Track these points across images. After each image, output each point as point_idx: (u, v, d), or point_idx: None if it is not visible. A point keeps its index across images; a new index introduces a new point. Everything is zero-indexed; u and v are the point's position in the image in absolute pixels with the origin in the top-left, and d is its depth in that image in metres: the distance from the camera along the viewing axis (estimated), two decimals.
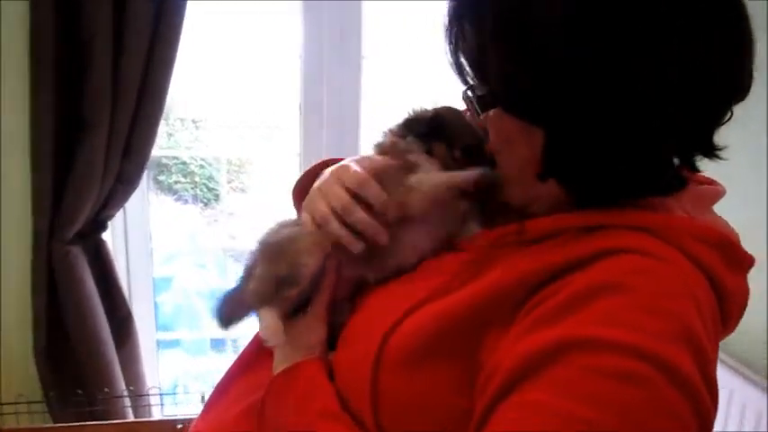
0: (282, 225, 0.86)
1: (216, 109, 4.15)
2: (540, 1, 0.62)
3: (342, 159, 0.89)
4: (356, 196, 0.78)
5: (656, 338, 0.55)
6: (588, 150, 0.66)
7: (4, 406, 1.92)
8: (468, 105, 0.77)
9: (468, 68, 0.72)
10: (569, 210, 0.71)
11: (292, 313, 0.83)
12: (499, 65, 0.66)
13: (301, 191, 0.92)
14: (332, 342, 0.81)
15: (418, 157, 0.83)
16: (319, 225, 0.80)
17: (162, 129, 4.65)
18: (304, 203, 0.86)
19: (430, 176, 0.79)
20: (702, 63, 0.62)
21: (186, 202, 4.42)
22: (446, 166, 0.82)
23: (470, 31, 0.69)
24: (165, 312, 3.09)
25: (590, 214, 0.69)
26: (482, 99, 0.73)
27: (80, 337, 1.97)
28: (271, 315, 0.80)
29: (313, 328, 0.81)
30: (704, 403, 0.56)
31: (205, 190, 4.60)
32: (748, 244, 0.73)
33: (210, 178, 4.53)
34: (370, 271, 0.81)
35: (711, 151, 0.69)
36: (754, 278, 0.74)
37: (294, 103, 2.25)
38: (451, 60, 0.73)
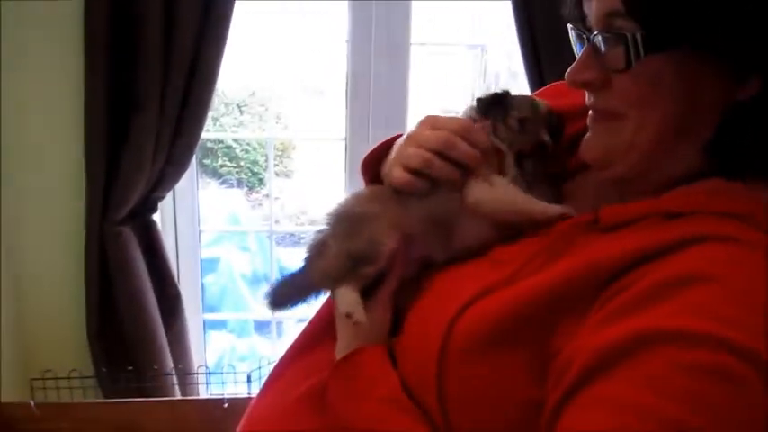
0: (356, 198, 0.86)
1: (261, 93, 4.18)
2: None
3: None
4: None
5: (751, 334, 0.52)
6: None
7: (60, 380, 1.98)
8: (579, 42, 0.70)
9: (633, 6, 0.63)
10: (667, 190, 0.68)
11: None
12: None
13: (371, 163, 0.90)
14: (396, 326, 0.80)
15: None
16: (419, 170, 0.78)
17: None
18: (386, 162, 0.84)
19: (506, 192, 0.78)
20: None
21: (231, 185, 4.49)
22: (501, 136, 0.82)
23: None
24: (212, 293, 3.15)
25: (672, 199, 0.66)
26: (655, 39, 0.63)
27: (131, 315, 2.02)
28: (350, 292, 0.79)
29: (378, 312, 0.79)
30: None
31: (250, 174, 4.67)
32: None
33: (255, 162, 4.59)
34: (438, 250, 0.81)
35: None
36: None
37: (341, 88, 2.26)
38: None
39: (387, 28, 2.14)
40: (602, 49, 0.68)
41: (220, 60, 1.91)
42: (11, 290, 2.05)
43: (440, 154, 0.77)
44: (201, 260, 2.39)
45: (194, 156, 2.07)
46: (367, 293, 0.81)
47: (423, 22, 2.27)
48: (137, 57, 1.85)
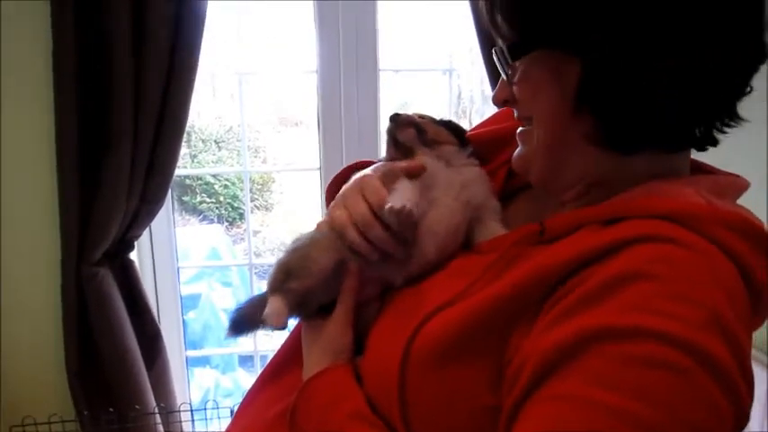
0: (313, 231, 0.89)
1: (237, 129, 4.20)
2: None
3: (372, 162, 0.91)
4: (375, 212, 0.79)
5: (687, 326, 0.54)
6: (623, 78, 0.66)
7: (40, 426, 1.95)
8: (500, 62, 0.77)
9: (502, 21, 0.73)
10: (595, 195, 0.73)
11: (314, 314, 0.85)
12: (535, 4, 0.69)
13: (333, 192, 0.93)
14: (362, 346, 0.82)
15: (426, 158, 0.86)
16: (338, 236, 0.81)
17: (185, 151, 4.73)
18: (329, 208, 0.87)
19: (393, 197, 0.80)
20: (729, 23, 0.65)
21: (212, 221, 4.50)
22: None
23: None
24: (194, 330, 3.13)
25: (609, 206, 0.68)
26: (515, 47, 0.73)
27: (111, 355, 2.01)
28: (277, 300, 0.83)
29: (339, 332, 0.82)
30: (739, 391, 0.55)
31: (230, 209, 4.68)
32: None
33: (235, 197, 4.60)
34: (393, 273, 0.83)
35: (734, 118, 0.70)
36: None
37: (313, 119, 2.28)
38: (488, 18, 0.75)
39: (355, 55, 2.18)
40: (499, 66, 0.77)
41: (190, 97, 1.93)
42: None
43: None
44: (182, 297, 2.38)
45: (169, 192, 2.07)
46: (326, 311, 0.84)
47: (392, 48, 2.30)
48: (107, 97, 1.86)
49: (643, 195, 0.69)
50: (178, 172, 2.02)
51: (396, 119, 0.87)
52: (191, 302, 3.15)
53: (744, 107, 0.71)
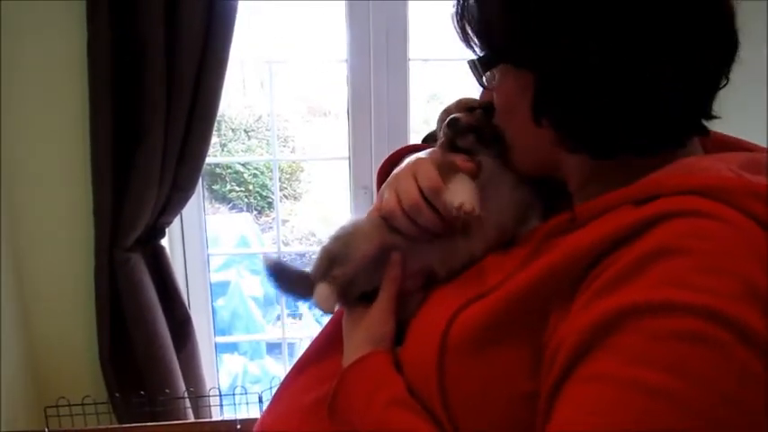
0: (360, 218, 0.90)
1: (267, 118, 4.22)
2: None
3: (423, 147, 0.92)
4: (425, 197, 0.80)
5: (722, 298, 0.54)
6: (572, 85, 0.68)
7: (74, 407, 2.00)
8: (473, 72, 0.80)
9: (471, 34, 0.77)
10: (595, 188, 0.73)
11: (356, 302, 0.87)
12: (493, 18, 0.73)
13: (383, 175, 0.94)
14: (403, 337, 0.83)
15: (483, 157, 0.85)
16: (385, 218, 0.83)
17: (215, 140, 4.77)
18: (380, 191, 0.88)
19: (456, 188, 0.81)
20: (691, 15, 0.65)
21: (241, 210, 4.53)
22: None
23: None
24: (223, 317, 3.17)
25: (640, 186, 0.68)
26: (484, 60, 0.78)
27: (142, 340, 2.05)
28: (324, 287, 0.84)
29: (381, 320, 0.83)
30: None
31: (259, 198, 4.70)
32: None
33: (264, 186, 4.62)
34: (437, 264, 0.83)
35: (706, 114, 0.71)
36: None
37: (342, 109, 2.29)
38: (458, 28, 0.78)
39: (385, 45, 2.18)
40: (475, 75, 0.82)
41: (221, 87, 1.95)
42: (22, 319, 2.08)
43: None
44: (211, 284, 2.41)
45: (200, 180, 2.10)
46: (369, 300, 0.85)
47: (421, 38, 2.29)
48: (140, 88, 1.89)
49: (674, 172, 0.68)
50: (208, 160, 2.05)
51: (456, 125, 0.85)
52: (220, 289, 3.18)
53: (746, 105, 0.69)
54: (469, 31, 0.77)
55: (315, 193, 5.03)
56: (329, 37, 2.42)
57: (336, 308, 0.86)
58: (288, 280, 0.92)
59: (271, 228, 4.36)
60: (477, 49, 0.78)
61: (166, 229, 2.13)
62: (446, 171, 0.81)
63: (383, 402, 0.73)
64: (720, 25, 0.68)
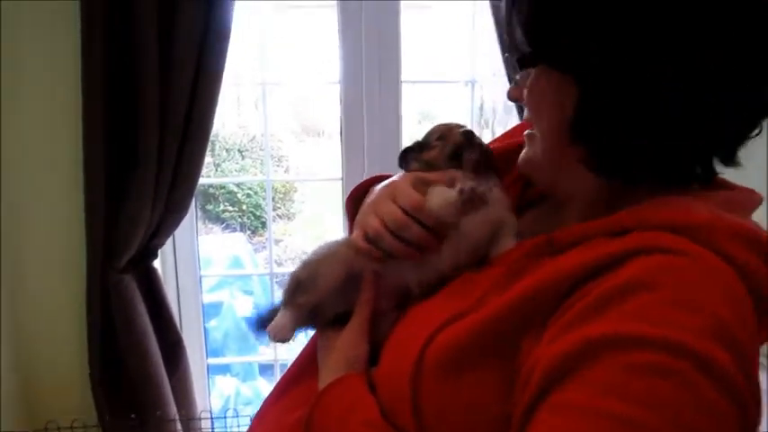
0: (330, 243, 0.91)
1: (260, 138, 4.23)
2: None
3: (390, 175, 0.93)
4: (409, 214, 0.82)
5: (688, 333, 0.55)
6: (617, 113, 0.67)
7: (63, 431, 1.99)
8: (509, 69, 0.80)
9: (518, 29, 0.75)
10: (599, 210, 0.74)
11: (330, 324, 0.88)
12: (545, 19, 0.71)
13: (353, 205, 0.96)
14: (377, 357, 0.83)
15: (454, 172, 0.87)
16: (372, 240, 0.84)
17: (209, 159, 4.78)
18: (356, 219, 0.90)
19: (436, 196, 0.83)
20: (741, 67, 0.65)
21: (234, 229, 4.54)
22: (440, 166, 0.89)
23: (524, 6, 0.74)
24: (215, 338, 3.16)
25: (617, 218, 0.69)
26: (523, 58, 0.76)
27: (133, 362, 2.04)
28: (282, 315, 0.86)
29: (355, 342, 0.84)
30: (744, 400, 0.55)
31: (252, 218, 4.72)
32: None
33: (257, 206, 4.64)
34: (410, 280, 0.84)
35: (731, 159, 0.72)
36: None
37: (335, 129, 2.30)
38: (506, 22, 0.77)
39: (377, 66, 2.20)
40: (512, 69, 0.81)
41: (214, 109, 1.96)
42: (13, 340, 2.08)
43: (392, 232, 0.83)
44: (204, 305, 2.41)
45: (193, 201, 2.11)
46: (343, 321, 0.86)
47: (413, 59, 2.32)
48: (134, 111, 1.90)
49: (650, 208, 0.70)
50: (201, 181, 2.06)
51: (471, 138, 0.88)
52: (212, 310, 3.18)
53: None
54: (515, 24, 0.75)
55: (308, 212, 5.05)
56: (323, 59, 2.44)
57: (293, 336, 0.88)
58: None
59: (264, 247, 4.37)
60: (519, 45, 0.76)
61: (159, 251, 2.13)
62: (423, 189, 0.83)
63: (356, 425, 0.74)
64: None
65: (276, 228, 4.68)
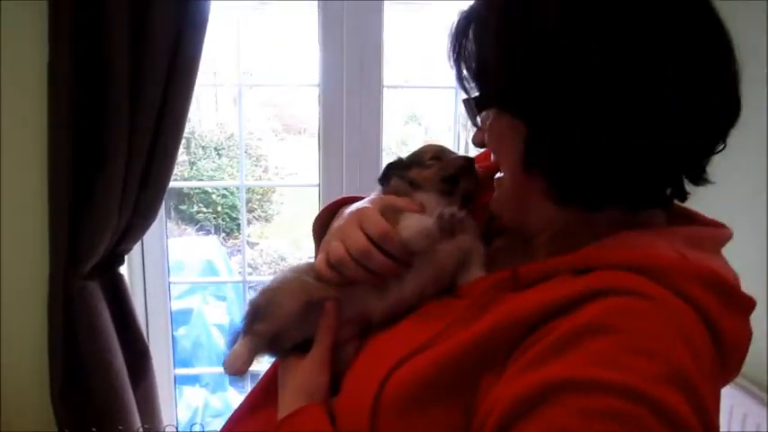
0: (292, 268, 0.91)
1: (239, 136, 4.21)
2: (538, 11, 0.69)
3: (361, 198, 0.94)
4: (374, 242, 0.82)
5: (644, 378, 0.56)
6: (568, 145, 0.69)
7: None
8: (467, 111, 0.83)
9: (466, 74, 0.79)
10: (564, 243, 0.75)
11: (289, 352, 0.87)
12: (490, 61, 0.74)
13: (321, 227, 0.97)
14: (339, 386, 0.84)
15: (422, 195, 0.89)
16: (334, 266, 0.84)
17: (184, 158, 4.74)
18: (322, 243, 0.90)
19: (410, 224, 0.83)
20: (695, 80, 0.67)
21: (208, 232, 4.48)
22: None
23: (471, 40, 0.77)
24: (184, 347, 3.12)
25: (580, 256, 0.71)
26: (477, 100, 0.79)
27: (96, 373, 1.99)
28: (240, 344, 0.85)
29: (315, 371, 0.84)
30: None
31: (227, 219, 4.67)
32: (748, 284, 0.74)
33: (233, 207, 4.59)
34: (372, 307, 0.85)
35: (700, 178, 0.73)
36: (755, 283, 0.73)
37: (314, 132, 2.28)
38: (454, 68, 0.80)
39: (359, 70, 2.17)
40: (468, 113, 0.83)
41: (188, 107, 1.91)
42: None
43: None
44: (172, 312, 2.37)
45: (162, 205, 2.07)
46: (304, 349, 0.86)
47: (397, 64, 2.30)
48: (103, 108, 1.84)
49: (614, 246, 0.71)
50: (173, 184, 2.02)
51: (471, 166, 0.90)
52: (182, 318, 3.14)
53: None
54: (464, 71, 0.79)
55: (287, 214, 5.01)
56: (304, 59, 2.41)
57: (248, 368, 0.87)
58: None
59: (239, 251, 4.32)
60: (472, 89, 0.79)
61: (125, 256, 2.08)
62: (392, 216, 0.84)
63: None
64: (725, 90, 0.70)
65: (252, 230, 4.64)
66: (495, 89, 0.75)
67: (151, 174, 1.93)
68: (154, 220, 2.02)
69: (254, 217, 4.72)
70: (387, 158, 2.31)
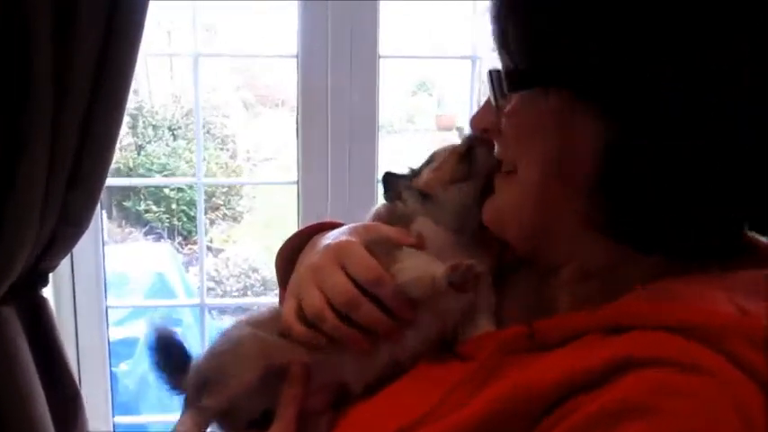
0: (249, 319, 0.91)
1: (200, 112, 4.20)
2: None
3: (341, 224, 0.93)
4: (360, 285, 0.81)
5: None
6: (657, 158, 0.67)
7: None
8: (492, 86, 0.79)
9: (513, 36, 0.74)
10: (594, 286, 0.76)
11: (246, 427, 0.88)
12: (569, 27, 0.69)
13: (287, 262, 0.98)
14: None
15: (423, 223, 0.88)
16: (310, 321, 0.83)
17: (129, 140, 4.72)
18: (290, 285, 0.89)
19: (409, 268, 0.82)
20: None
21: (159, 236, 4.45)
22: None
23: None
24: (126, 387, 3.11)
25: (613, 311, 0.70)
26: (517, 74, 0.75)
27: (12, 425, 1.98)
28: (185, 417, 0.86)
29: None
30: None
31: (185, 219, 4.63)
32: None
33: (191, 203, 4.55)
34: (352, 376, 0.85)
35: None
36: None
37: (292, 117, 2.26)
38: (496, 28, 0.76)
39: (348, 39, 2.15)
40: (489, 89, 0.80)
41: (131, 72, 1.88)
42: None
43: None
44: (111, 343, 2.37)
45: (97, 209, 2.05)
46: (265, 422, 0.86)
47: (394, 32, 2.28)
48: (24, 82, 1.82)
49: (655, 298, 0.70)
50: (112, 181, 2.00)
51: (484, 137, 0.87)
52: (124, 350, 3.13)
53: None
54: (510, 30, 0.74)
55: (260, 212, 5.00)
56: (279, 22, 2.39)
57: None
58: (170, 361, 0.95)
59: (198, 260, 4.33)
60: (510, 58, 0.75)
61: (50, 275, 2.07)
62: (384, 252, 0.83)
63: None
64: None
65: (216, 233, 4.62)
66: (568, 57, 0.70)
67: (83, 166, 1.90)
68: (87, 227, 2.00)
69: (218, 216, 4.71)
70: (383, 141, 2.30)
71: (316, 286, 0.83)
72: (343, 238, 0.87)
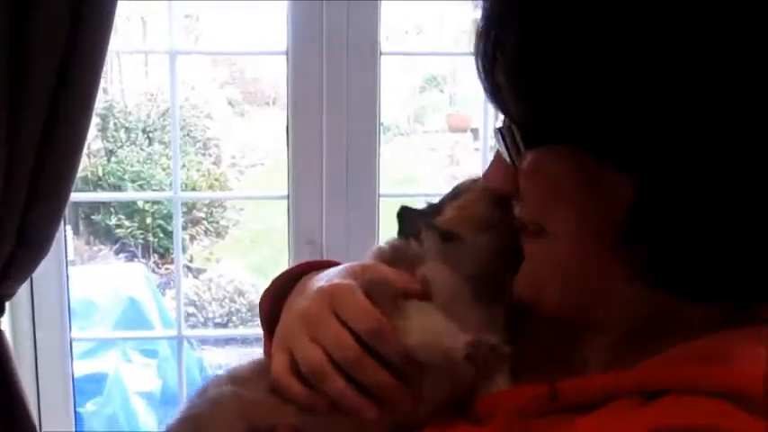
0: (230, 375, 0.89)
1: (177, 111, 4.23)
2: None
3: (336, 263, 0.92)
4: (361, 339, 0.80)
5: None
6: (700, 206, 0.68)
7: None
8: (504, 144, 0.79)
9: (508, 90, 0.74)
10: (642, 341, 0.75)
11: None
12: (572, 78, 0.69)
13: (272, 304, 0.96)
14: None
15: (434, 267, 0.86)
16: (311, 380, 0.81)
17: (98, 145, 4.74)
18: (277, 334, 0.88)
19: (419, 330, 0.81)
20: None
21: (132, 255, 4.44)
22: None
23: (512, 43, 0.73)
24: (93, 429, 3.10)
25: (647, 372, 0.70)
26: (528, 131, 0.75)
27: None
28: None
29: None
30: None
31: (161, 235, 4.62)
32: None
33: (167, 218, 4.53)
34: None
35: None
36: None
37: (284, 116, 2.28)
38: (486, 82, 0.77)
39: (344, 33, 2.18)
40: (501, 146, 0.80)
41: (100, 67, 1.91)
42: None
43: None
44: (76, 380, 2.37)
45: (60, 227, 2.06)
46: None
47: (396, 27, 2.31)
48: None
49: (697, 357, 0.70)
50: (78, 197, 2.02)
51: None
52: (91, 387, 3.13)
53: None
54: (503, 81, 0.75)
55: (247, 227, 5.00)
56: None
57: None
58: None
59: (173, 282, 4.32)
60: (510, 116, 0.76)
61: (7, 303, 2.09)
62: (385, 299, 0.82)
63: None
64: None
65: (197, 251, 4.62)
66: (570, 112, 0.71)
67: (43, 179, 1.92)
68: (47, 250, 2.01)
69: (199, 231, 4.71)
70: (387, 145, 2.30)
71: (309, 338, 0.82)
72: (337, 280, 0.85)
